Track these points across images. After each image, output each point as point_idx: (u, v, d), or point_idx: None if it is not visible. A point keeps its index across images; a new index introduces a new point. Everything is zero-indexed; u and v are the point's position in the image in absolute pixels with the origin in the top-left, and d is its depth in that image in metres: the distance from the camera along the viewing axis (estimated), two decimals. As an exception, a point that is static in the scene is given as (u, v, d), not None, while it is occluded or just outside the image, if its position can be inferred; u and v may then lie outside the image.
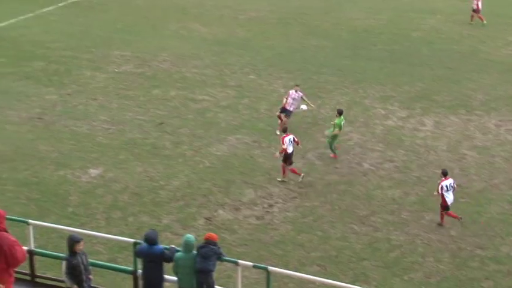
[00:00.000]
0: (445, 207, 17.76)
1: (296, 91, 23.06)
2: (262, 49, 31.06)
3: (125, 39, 31.66)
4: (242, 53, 30.55)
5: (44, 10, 35.21)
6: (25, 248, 11.61)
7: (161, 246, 12.02)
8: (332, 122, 21.47)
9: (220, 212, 18.55)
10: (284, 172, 19.97)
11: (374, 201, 19.03)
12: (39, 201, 18.87)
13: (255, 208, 18.78)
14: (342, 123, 21.09)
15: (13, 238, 8.92)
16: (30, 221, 13.01)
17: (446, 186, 17.58)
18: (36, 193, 19.16)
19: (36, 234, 14.66)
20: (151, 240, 11.93)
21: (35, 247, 12.90)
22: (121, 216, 18.28)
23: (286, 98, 22.88)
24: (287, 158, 19.81)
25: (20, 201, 18.76)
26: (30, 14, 34.42)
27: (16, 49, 30.06)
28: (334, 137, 21.18)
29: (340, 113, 21.10)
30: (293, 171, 20.04)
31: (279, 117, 22.86)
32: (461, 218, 17.86)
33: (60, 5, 36.21)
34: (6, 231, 8.91)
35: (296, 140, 19.98)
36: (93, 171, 20.31)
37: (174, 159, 21.16)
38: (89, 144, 22.09)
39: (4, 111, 24.17)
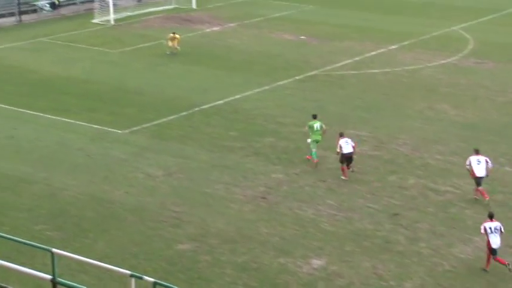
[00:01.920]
0: (490, 250, 18.41)
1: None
2: (521, 137, 27.84)
3: (362, 117, 30.21)
4: (497, 140, 27.59)
5: (280, 83, 34.94)
6: None
7: None
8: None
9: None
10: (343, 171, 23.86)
11: None
12: (257, 290, 17.87)
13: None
14: (313, 125, 25.04)
15: None
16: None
17: (490, 229, 18.26)
18: (255, 280, 18.34)
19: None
20: None
21: None
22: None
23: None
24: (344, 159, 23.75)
25: None
26: (266, 87, 34.29)
27: (248, 122, 29.80)
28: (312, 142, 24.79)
29: (313, 117, 25.59)
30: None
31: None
32: (508, 264, 18.21)
33: (296, 78, 35.80)
34: None
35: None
36: (316, 262, 19.17)
37: (408, 258, 19.42)
38: (312, 230, 20.92)
39: (230, 188, 23.56)
